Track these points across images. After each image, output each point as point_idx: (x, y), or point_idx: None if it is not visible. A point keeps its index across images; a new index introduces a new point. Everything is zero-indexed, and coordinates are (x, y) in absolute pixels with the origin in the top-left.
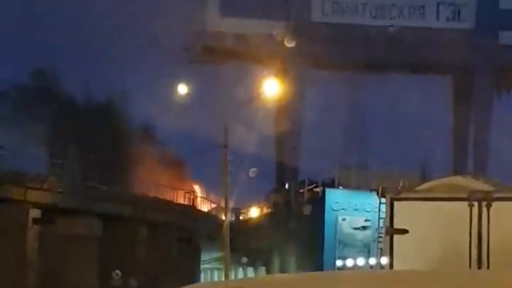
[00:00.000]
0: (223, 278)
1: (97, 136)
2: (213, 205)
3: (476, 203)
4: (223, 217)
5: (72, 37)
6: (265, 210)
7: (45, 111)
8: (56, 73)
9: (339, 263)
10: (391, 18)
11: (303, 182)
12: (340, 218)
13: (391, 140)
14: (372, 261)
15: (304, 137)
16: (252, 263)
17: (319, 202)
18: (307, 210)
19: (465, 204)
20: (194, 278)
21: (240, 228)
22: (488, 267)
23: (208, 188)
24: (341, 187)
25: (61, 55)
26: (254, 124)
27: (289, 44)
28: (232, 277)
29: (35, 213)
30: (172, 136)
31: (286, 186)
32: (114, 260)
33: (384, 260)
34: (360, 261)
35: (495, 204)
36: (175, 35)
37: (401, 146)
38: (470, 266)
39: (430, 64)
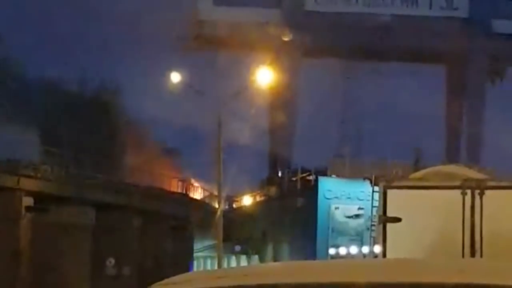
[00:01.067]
0: (216, 267)
1: (91, 124)
2: (206, 193)
3: (469, 192)
4: (216, 205)
5: (66, 25)
6: (258, 198)
7: (39, 99)
8: (50, 61)
9: (332, 251)
10: (384, 7)
11: (296, 171)
12: (333, 207)
13: (384, 129)
14: (365, 249)
15: (298, 125)
16: (245, 252)
17: (312, 190)
18: (298, 202)
19: (458, 192)
20: (187, 266)
21: (233, 216)
22: (481, 256)
23: (202, 176)
24: (334, 176)
25: (54, 43)
26: (247, 112)
27: (284, 35)
28: (225, 265)
29: (28, 201)
30: (165, 124)
31: (279, 174)
32: (107, 248)
33: (377, 249)
34: (353, 250)
35: (488, 193)
36: (168, 24)
37: (395, 134)
38: (463, 255)
39: (423, 53)
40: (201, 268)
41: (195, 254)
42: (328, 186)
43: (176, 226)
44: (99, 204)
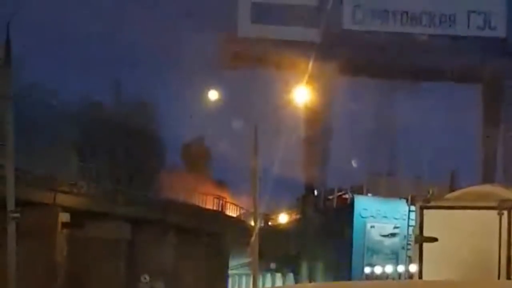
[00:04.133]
0: (251, 285)
1: (127, 140)
2: (242, 211)
3: (505, 212)
4: (252, 223)
5: (104, 40)
6: (294, 217)
7: (74, 115)
8: (85, 76)
9: (367, 270)
10: (422, 26)
11: (332, 189)
12: (368, 225)
13: (420, 148)
14: (401, 268)
15: (334, 143)
16: (281, 270)
17: (348, 209)
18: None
19: (494, 213)
20: (222, 284)
21: (269, 234)
22: None
23: (238, 193)
24: (370, 194)
25: (91, 57)
26: (283, 130)
27: (321, 54)
28: (260, 284)
29: (64, 217)
30: (202, 141)
31: (315, 192)
32: (142, 264)
33: (413, 268)
34: (388, 269)
35: None
36: (206, 41)
37: (430, 153)
38: (499, 276)
39: (460, 72)
40: (236, 286)
41: (230, 272)
42: (364, 204)
43: (212, 243)
44: (134, 219)
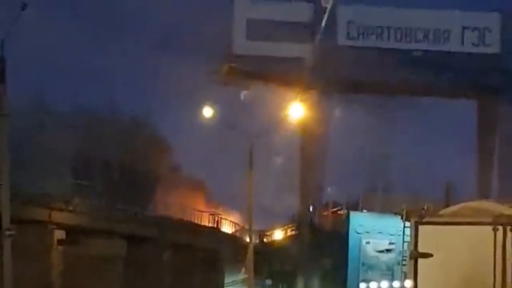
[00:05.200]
0: None
1: (122, 157)
2: (238, 227)
3: (500, 228)
4: (247, 239)
5: (100, 56)
6: (289, 233)
7: (69, 131)
8: (81, 94)
9: (362, 286)
10: (416, 42)
11: (327, 205)
12: (364, 241)
13: (415, 164)
14: (396, 284)
15: (329, 160)
16: (276, 286)
17: (343, 225)
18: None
19: (489, 228)
20: None
21: (264, 250)
22: None
23: (233, 210)
24: (365, 210)
25: (86, 73)
26: (278, 146)
27: (316, 70)
28: None
29: (60, 234)
30: (197, 158)
31: (311, 208)
32: (138, 281)
33: (408, 284)
34: (384, 284)
35: None
36: (202, 57)
37: (426, 169)
38: None
39: (455, 88)
40: None
41: None
42: (360, 221)
43: (207, 260)
44: (130, 236)
